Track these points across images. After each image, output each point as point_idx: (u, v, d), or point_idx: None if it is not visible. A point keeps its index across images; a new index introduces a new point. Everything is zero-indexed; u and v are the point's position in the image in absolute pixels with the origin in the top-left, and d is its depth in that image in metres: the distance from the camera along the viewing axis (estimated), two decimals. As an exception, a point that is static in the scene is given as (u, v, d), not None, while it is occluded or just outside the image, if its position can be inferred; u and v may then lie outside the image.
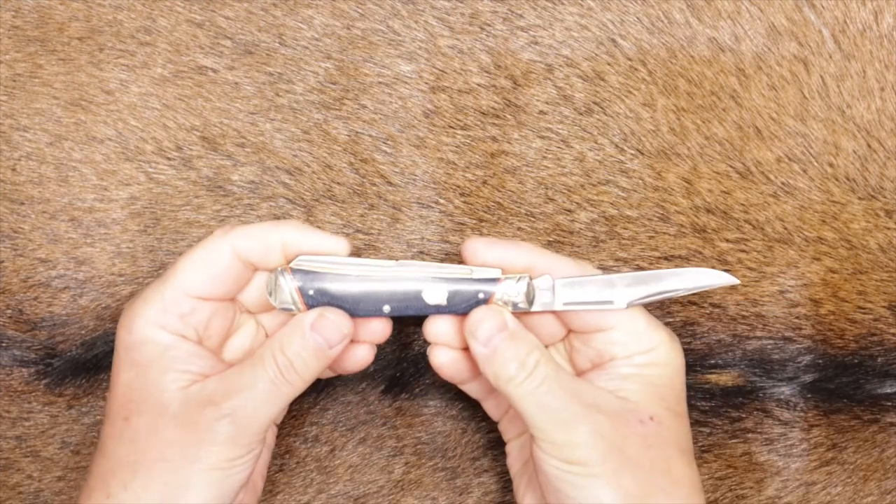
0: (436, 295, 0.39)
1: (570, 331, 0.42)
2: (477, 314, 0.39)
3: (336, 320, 0.39)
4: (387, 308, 0.39)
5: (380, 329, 0.41)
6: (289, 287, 0.39)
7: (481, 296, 0.39)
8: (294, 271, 0.39)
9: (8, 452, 0.46)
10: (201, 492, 0.37)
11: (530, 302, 0.40)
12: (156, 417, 0.37)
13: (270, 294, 0.39)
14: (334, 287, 0.39)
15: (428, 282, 0.39)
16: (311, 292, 0.39)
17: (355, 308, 0.39)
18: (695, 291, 0.40)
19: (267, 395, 0.38)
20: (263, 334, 0.43)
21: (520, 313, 0.40)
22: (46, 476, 0.46)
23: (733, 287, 0.45)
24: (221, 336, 0.41)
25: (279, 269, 0.39)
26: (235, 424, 0.37)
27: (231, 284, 0.40)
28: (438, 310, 0.40)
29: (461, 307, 0.40)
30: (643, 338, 0.40)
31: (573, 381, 0.39)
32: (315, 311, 0.39)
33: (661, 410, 0.39)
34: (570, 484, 0.37)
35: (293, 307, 0.39)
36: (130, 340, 0.39)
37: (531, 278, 0.39)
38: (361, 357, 0.41)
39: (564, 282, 0.39)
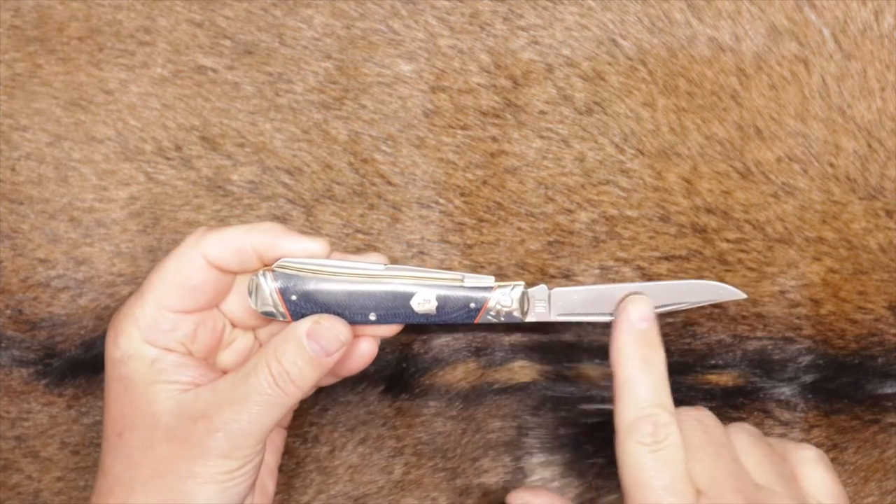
0: (425, 302, 0.38)
1: None
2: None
3: (334, 328, 0.37)
4: (373, 316, 0.38)
5: (367, 349, 0.40)
6: (269, 289, 0.37)
7: (473, 305, 0.38)
8: (276, 274, 0.37)
9: (7, 452, 0.46)
10: None
11: (524, 312, 0.39)
12: (148, 432, 0.37)
13: (251, 295, 0.38)
14: (317, 291, 0.37)
15: (417, 288, 0.38)
16: (293, 297, 0.37)
17: (341, 315, 0.38)
18: (696, 306, 0.39)
19: (261, 406, 0.36)
20: (258, 346, 0.41)
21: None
22: (46, 476, 0.46)
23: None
24: (212, 343, 0.40)
25: (261, 270, 0.38)
26: (229, 438, 0.36)
27: (210, 294, 0.38)
28: (427, 318, 0.38)
29: (451, 316, 0.38)
30: None
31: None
32: (310, 319, 0.38)
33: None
34: None
35: (274, 311, 0.38)
36: (117, 356, 0.38)
37: (526, 287, 0.39)
38: (363, 354, 0.40)
39: (560, 291, 0.39)
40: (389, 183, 0.46)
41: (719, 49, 0.45)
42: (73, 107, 0.46)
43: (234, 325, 0.41)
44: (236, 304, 0.40)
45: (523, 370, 0.46)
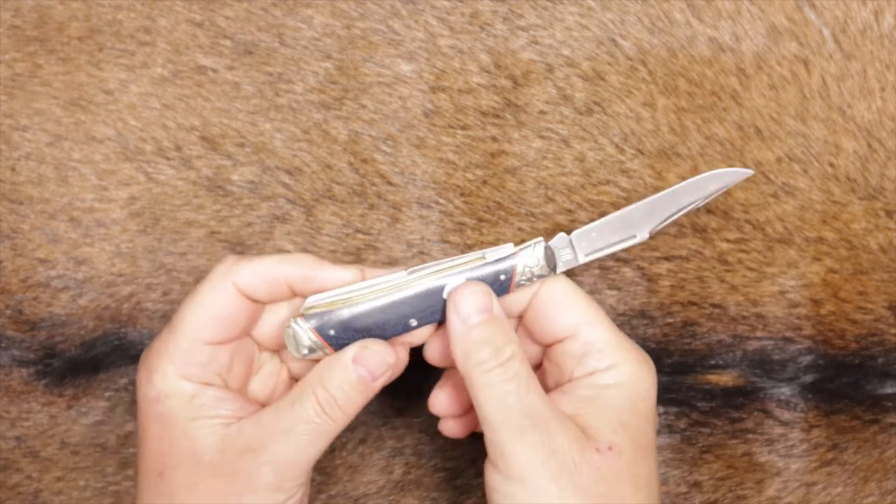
0: None
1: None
2: (465, 289, 0.37)
3: (379, 351, 0.37)
4: (413, 322, 0.37)
5: (400, 358, 0.39)
6: (306, 332, 0.37)
7: (502, 277, 0.37)
8: (307, 316, 0.37)
9: (7, 453, 0.46)
10: None
11: (553, 267, 0.38)
12: (191, 469, 0.36)
13: (290, 344, 0.37)
14: (353, 317, 0.37)
15: (445, 279, 0.37)
16: (331, 332, 0.37)
17: (382, 332, 0.37)
18: (713, 197, 0.38)
19: (308, 435, 0.36)
20: (286, 371, 0.41)
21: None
22: (46, 476, 0.46)
23: (734, 287, 0.45)
24: (245, 373, 0.39)
25: (292, 318, 0.37)
26: (277, 470, 0.35)
27: (243, 323, 0.38)
28: None
29: None
30: (604, 354, 0.37)
31: (540, 390, 0.36)
32: (356, 345, 0.37)
33: (623, 440, 0.35)
34: None
35: (317, 350, 0.37)
36: (153, 394, 0.36)
37: (545, 241, 0.38)
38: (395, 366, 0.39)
39: (580, 233, 0.38)
40: (389, 183, 0.46)
41: (719, 49, 0.45)
42: (73, 107, 0.46)
43: (261, 349, 0.40)
44: (267, 324, 0.39)
45: (523, 370, 0.46)
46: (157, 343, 0.37)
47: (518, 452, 0.34)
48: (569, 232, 0.39)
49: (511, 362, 0.36)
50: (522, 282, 0.38)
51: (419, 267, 0.38)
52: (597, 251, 0.38)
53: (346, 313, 0.37)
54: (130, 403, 0.46)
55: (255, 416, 0.36)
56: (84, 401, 0.46)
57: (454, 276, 0.37)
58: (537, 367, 0.41)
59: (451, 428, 0.41)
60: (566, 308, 0.38)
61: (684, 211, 0.38)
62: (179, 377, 0.36)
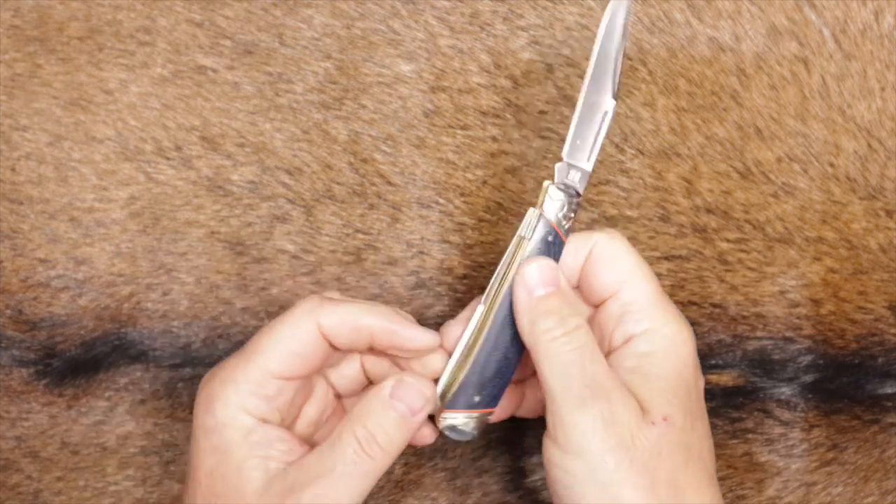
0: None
1: None
2: (530, 263, 0.37)
3: (416, 384, 0.36)
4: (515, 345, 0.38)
5: None
6: (462, 419, 0.38)
7: (550, 238, 0.37)
8: (449, 404, 0.38)
9: (7, 453, 0.46)
10: None
11: (575, 192, 0.38)
12: None
13: (459, 437, 0.38)
14: (478, 372, 0.37)
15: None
16: (475, 399, 0.37)
17: (509, 364, 0.38)
18: (628, 25, 0.38)
19: (348, 475, 0.35)
20: (332, 395, 0.40)
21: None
22: (46, 476, 0.46)
23: (734, 287, 0.45)
24: (299, 409, 0.39)
25: (440, 415, 0.38)
26: None
27: (318, 363, 0.37)
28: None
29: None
30: (642, 315, 0.37)
31: (604, 362, 0.35)
32: (392, 379, 0.36)
33: (675, 410, 0.35)
34: (565, 488, 0.34)
35: (482, 416, 0.38)
36: (211, 424, 0.36)
37: (551, 182, 0.38)
38: (425, 438, 0.39)
39: (568, 150, 0.38)
40: (389, 183, 0.46)
41: (719, 49, 0.45)
42: (73, 107, 0.46)
43: (338, 397, 0.40)
44: (349, 370, 0.39)
45: (523, 370, 0.46)
46: (224, 371, 0.37)
47: (578, 424, 0.34)
48: (559, 160, 0.38)
49: (576, 332, 0.35)
50: (566, 227, 0.38)
51: (487, 292, 0.38)
52: (593, 150, 0.38)
53: (470, 375, 0.37)
54: (130, 403, 0.46)
55: (301, 459, 0.36)
56: (84, 401, 0.46)
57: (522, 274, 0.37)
58: None
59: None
60: (612, 265, 0.37)
61: (621, 56, 0.37)
62: (240, 409, 0.36)
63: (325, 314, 0.36)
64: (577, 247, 0.38)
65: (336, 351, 0.38)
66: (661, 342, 0.36)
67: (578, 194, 0.38)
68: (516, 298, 0.37)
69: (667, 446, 0.34)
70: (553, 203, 0.38)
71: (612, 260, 0.38)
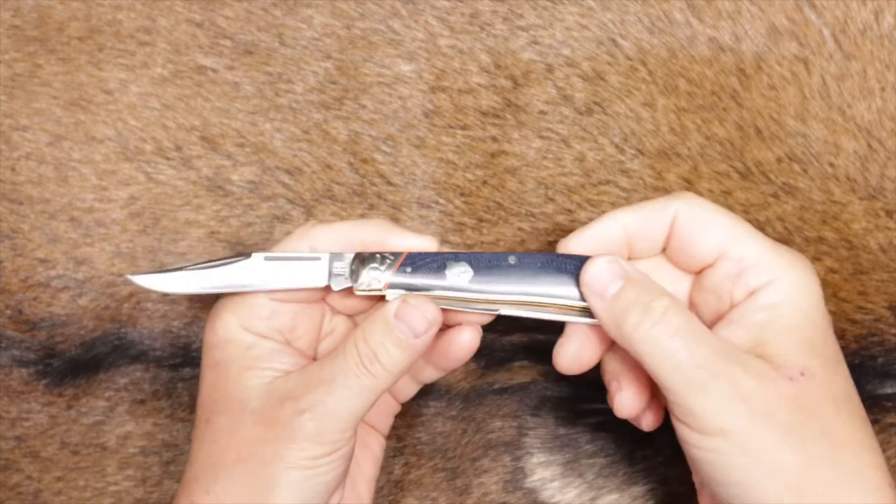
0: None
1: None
2: (592, 266, 0.35)
3: (421, 306, 0.36)
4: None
5: (468, 339, 0.38)
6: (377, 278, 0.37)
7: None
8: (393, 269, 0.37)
9: (7, 453, 0.46)
10: (285, 494, 0.34)
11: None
12: (235, 416, 0.36)
13: (354, 282, 0.37)
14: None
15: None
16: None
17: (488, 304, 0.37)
18: None
19: (348, 387, 0.35)
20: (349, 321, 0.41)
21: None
22: (46, 476, 0.46)
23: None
24: (312, 336, 0.39)
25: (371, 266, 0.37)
26: (316, 420, 0.34)
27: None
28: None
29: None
30: (761, 268, 0.34)
31: (709, 336, 0.33)
32: (399, 299, 0.36)
33: (812, 361, 0.33)
34: (712, 465, 0.32)
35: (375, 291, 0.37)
36: (213, 340, 0.37)
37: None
38: (465, 344, 0.38)
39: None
40: (389, 183, 0.46)
41: (719, 49, 0.45)
42: (73, 107, 0.46)
43: (333, 313, 0.40)
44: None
45: (523, 370, 0.46)
46: (225, 294, 0.38)
47: (707, 408, 0.32)
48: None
49: (668, 315, 0.33)
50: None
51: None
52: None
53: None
54: (130, 403, 0.46)
55: (302, 369, 0.36)
56: (84, 401, 0.46)
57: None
58: (690, 306, 0.39)
59: (626, 401, 0.38)
60: (709, 228, 0.36)
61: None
62: (239, 327, 0.37)
63: (316, 236, 0.37)
64: (656, 216, 0.37)
65: None
66: (788, 290, 0.34)
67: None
68: (594, 309, 0.35)
69: (810, 400, 0.33)
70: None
71: (706, 224, 0.36)
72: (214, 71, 0.46)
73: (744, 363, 0.33)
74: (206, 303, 0.46)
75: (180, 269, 0.37)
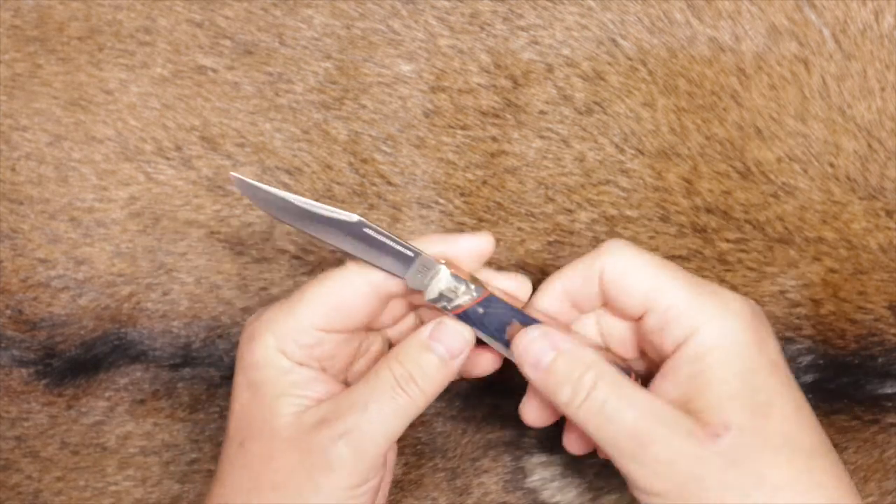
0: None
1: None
2: (522, 339, 0.36)
3: (455, 326, 0.36)
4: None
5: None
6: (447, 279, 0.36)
7: (481, 309, 0.37)
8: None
9: (7, 453, 0.46)
10: None
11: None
12: (268, 443, 0.35)
13: (426, 287, 0.36)
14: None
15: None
16: (480, 311, 0.37)
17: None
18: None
19: (384, 410, 0.35)
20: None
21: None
22: (46, 476, 0.46)
23: (734, 287, 0.45)
24: (347, 361, 0.39)
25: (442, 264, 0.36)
26: (351, 445, 0.34)
27: (363, 318, 0.37)
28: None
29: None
30: (682, 320, 0.34)
31: (640, 398, 0.34)
32: (433, 322, 0.36)
33: (739, 414, 0.33)
34: None
35: (446, 302, 0.37)
36: (250, 361, 0.36)
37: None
38: (489, 364, 0.39)
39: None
40: (389, 183, 0.46)
41: (719, 49, 0.45)
42: (73, 107, 0.46)
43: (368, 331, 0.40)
44: (406, 326, 0.40)
45: (523, 370, 0.46)
46: (269, 312, 0.37)
47: (641, 477, 0.33)
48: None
49: (596, 391, 0.34)
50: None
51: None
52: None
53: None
54: (130, 403, 0.46)
55: (334, 396, 0.36)
56: (84, 401, 0.46)
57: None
58: (637, 352, 0.39)
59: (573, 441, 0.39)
60: (633, 281, 0.36)
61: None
62: (278, 352, 0.36)
63: (375, 270, 0.36)
64: (586, 274, 0.37)
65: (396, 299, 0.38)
66: (711, 339, 0.34)
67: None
68: (530, 380, 0.36)
69: (742, 452, 0.32)
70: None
71: (630, 277, 0.36)
72: (214, 71, 0.46)
73: (672, 424, 0.33)
74: (206, 303, 0.46)
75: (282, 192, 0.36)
